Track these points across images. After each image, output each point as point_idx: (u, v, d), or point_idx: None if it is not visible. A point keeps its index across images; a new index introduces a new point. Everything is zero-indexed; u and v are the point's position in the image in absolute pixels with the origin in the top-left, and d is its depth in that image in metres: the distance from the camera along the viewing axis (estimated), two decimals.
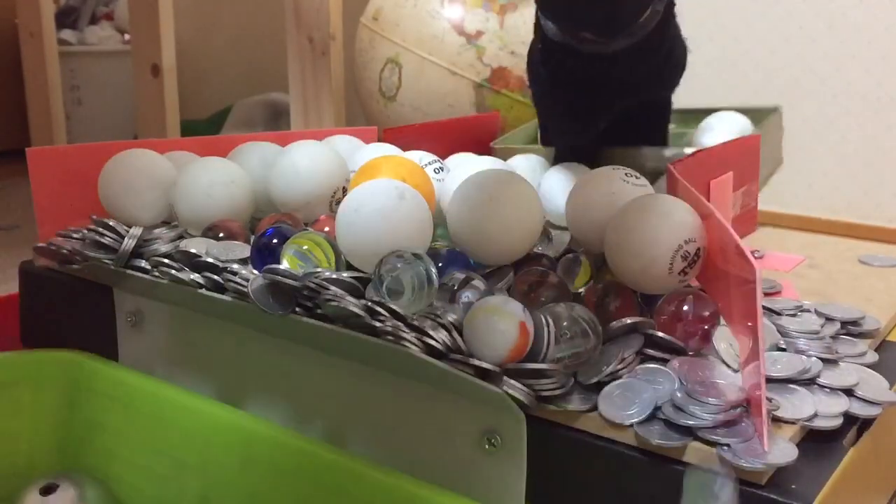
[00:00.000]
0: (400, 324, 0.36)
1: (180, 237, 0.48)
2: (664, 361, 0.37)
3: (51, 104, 1.44)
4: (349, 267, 0.42)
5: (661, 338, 0.37)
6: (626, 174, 0.45)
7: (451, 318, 0.36)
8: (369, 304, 0.37)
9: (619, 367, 0.35)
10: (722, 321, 0.38)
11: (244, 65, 1.75)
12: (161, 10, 1.19)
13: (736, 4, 1.04)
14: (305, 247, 0.42)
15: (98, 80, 1.71)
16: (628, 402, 0.34)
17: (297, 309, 0.39)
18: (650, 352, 0.37)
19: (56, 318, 0.54)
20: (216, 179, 0.50)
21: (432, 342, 0.35)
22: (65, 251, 0.49)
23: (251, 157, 0.55)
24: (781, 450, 0.31)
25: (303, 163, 0.50)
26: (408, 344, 0.35)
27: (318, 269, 0.40)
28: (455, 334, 0.35)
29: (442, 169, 0.54)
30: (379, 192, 0.42)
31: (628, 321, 0.37)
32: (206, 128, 1.62)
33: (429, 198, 0.46)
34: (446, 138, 0.74)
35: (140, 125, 1.30)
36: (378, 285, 0.38)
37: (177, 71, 1.23)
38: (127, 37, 1.76)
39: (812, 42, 1.00)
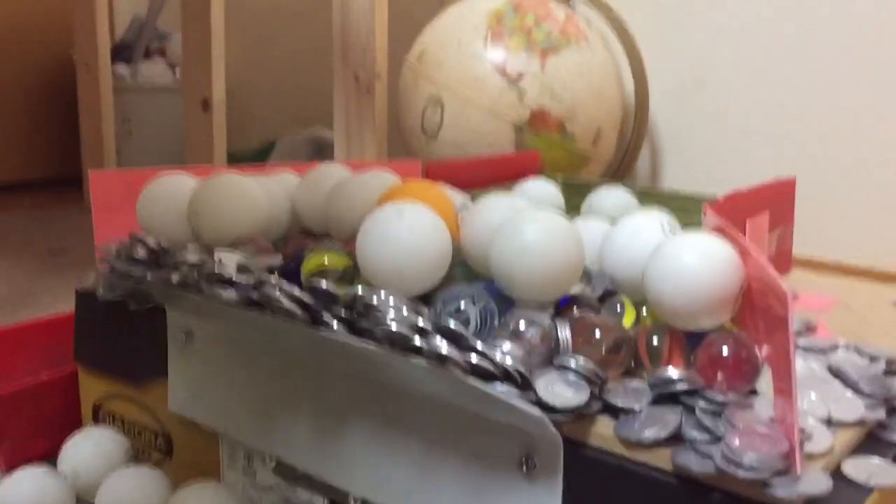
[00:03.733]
0: (450, 345, 0.37)
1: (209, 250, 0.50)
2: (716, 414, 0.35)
3: (103, 135, 1.49)
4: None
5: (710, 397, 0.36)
6: (663, 224, 0.45)
7: (518, 353, 0.37)
8: (425, 326, 0.38)
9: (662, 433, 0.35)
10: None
11: (290, 100, 1.80)
12: (213, 45, 1.23)
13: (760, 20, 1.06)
14: (325, 260, 0.44)
15: (148, 113, 1.76)
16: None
17: (338, 325, 0.40)
18: (701, 405, 0.36)
19: (109, 336, 0.56)
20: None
21: (487, 365, 0.36)
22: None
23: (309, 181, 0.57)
24: (815, 480, 0.32)
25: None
26: (451, 367, 0.36)
27: (369, 288, 0.41)
28: (522, 370, 0.36)
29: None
30: (380, 213, 0.43)
31: (679, 386, 0.36)
32: (252, 161, 1.66)
33: (451, 226, 0.46)
34: (487, 174, 0.76)
35: (189, 158, 1.34)
36: (444, 319, 0.39)
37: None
38: (178, 71, 1.81)
39: (854, 91, 1.01)
